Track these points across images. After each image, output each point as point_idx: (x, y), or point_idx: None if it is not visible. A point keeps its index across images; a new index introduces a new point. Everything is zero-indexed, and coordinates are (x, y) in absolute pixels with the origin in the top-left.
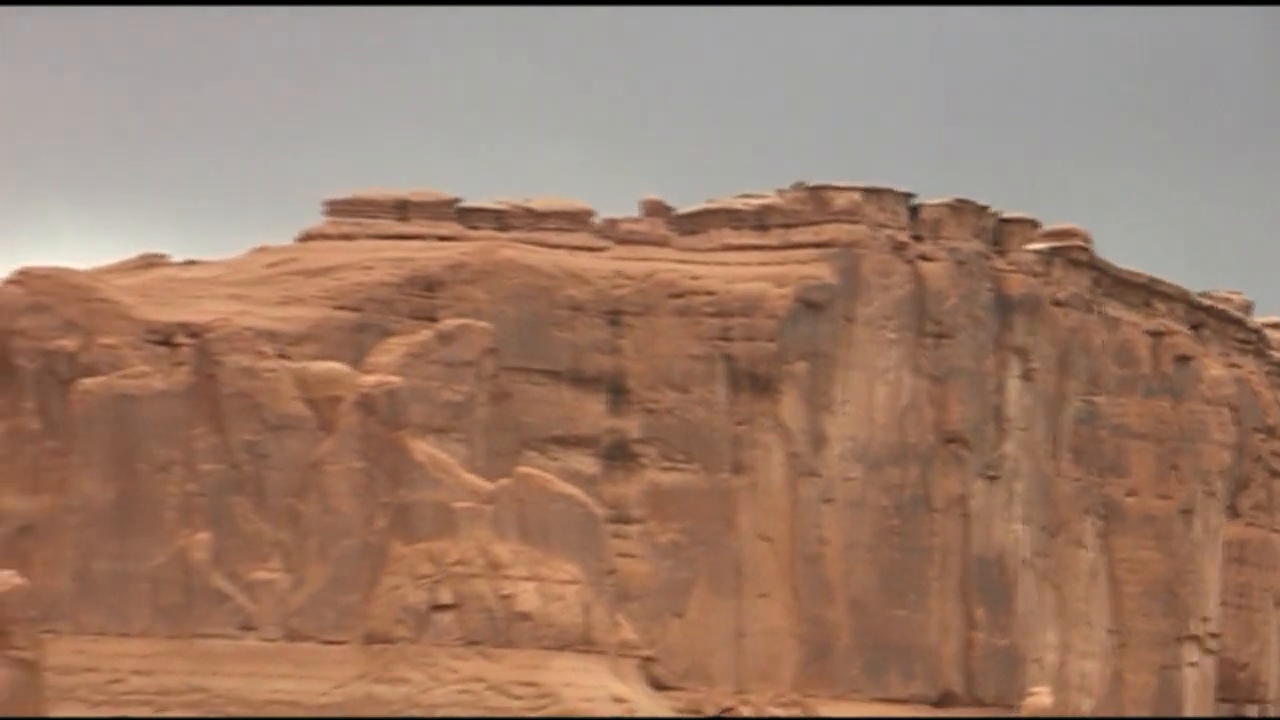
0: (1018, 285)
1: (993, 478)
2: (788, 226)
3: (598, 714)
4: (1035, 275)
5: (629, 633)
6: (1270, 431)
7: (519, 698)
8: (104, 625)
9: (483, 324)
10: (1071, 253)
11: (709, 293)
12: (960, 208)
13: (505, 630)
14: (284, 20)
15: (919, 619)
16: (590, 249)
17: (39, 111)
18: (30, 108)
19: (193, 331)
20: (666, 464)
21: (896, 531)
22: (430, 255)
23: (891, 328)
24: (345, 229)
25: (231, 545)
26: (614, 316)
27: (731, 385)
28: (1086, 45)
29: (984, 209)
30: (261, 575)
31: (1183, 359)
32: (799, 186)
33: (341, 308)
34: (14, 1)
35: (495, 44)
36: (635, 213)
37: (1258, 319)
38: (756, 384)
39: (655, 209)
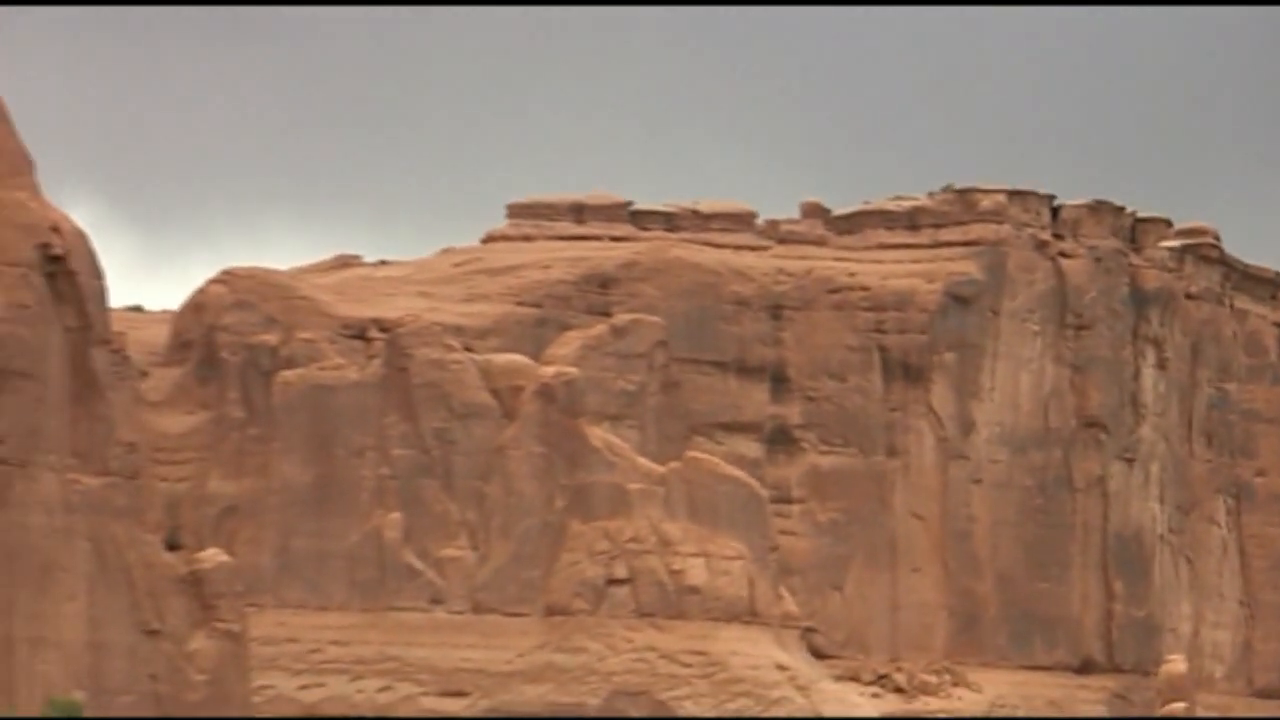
0: (1152, 280)
1: (1130, 460)
2: (937, 226)
3: (762, 680)
4: (1169, 271)
5: (791, 605)
6: None
7: (689, 665)
8: (304, 599)
9: (654, 318)
10: (1202, 249)
11: (864, 288)
12: (1098, 208)
13: (676, 603)
14: (467, 27)
15: (1061, 591)
16: (753, 248)
17: (246, 123)
18: (238, 121)
19: (385, 326)
20: (825, 448)
21: (1040, 510)
22: (605, 254)
23: (1034, 320)
24: (526, 230)
25: (421, 525)
26: (776, 311)
27: (885, 374)
28: (1216, 47)
29: (1121, 209)
30: (449, 552)
31: None
32: (948, 189)
33: (522, 304)
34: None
35: (666, 52)
36: (795, 214)
37: None
38: (909, 373)
39: (814, 210)
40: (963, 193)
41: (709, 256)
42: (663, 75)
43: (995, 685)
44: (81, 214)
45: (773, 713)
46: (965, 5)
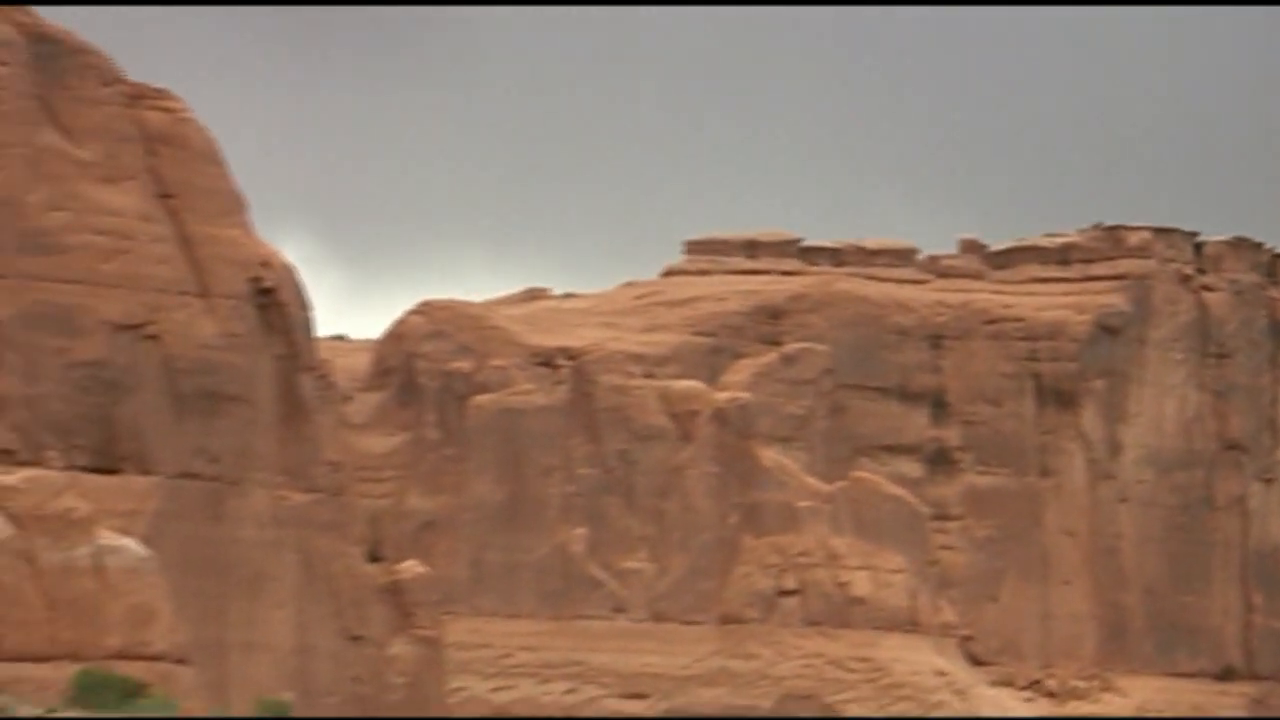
0: None
1: (1268, 480)
2: (1087, 261)
3: (922, 685)
4: None
5: (949, 615)
6: None
7: (854, 671)
8: (495, 608)
9: (821, 347)
10: None
11: (1018, 319)
12: (1238, 244)
13: (842, 612)
14: (645, 80)
15: (1204, 604)
16: (914, 282)
17: (443, 166)
18: (437, 164)
19: (571, 355)
20: (981, 468)
21: (1183, 527)
22: (775, 288)
23: (1178, 349)
24: (702, 265)
25: (604, 539)
26: (935, 340)
27: (1038, 400)
28: None
29: (1260, 245)
30: (631, 565)
31: None
32: (1097, 226)
33: (699, 334)
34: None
35: (831, 99)
36: (954, 249)
37: None
38: (1060, 399)
39: (971, 246)
40: (1111, 230)
41: (873, 289)
42: (830, 119)
43: (1141, 691)
44: (292, 250)
45: (932, 715)
46: (1108, 53)
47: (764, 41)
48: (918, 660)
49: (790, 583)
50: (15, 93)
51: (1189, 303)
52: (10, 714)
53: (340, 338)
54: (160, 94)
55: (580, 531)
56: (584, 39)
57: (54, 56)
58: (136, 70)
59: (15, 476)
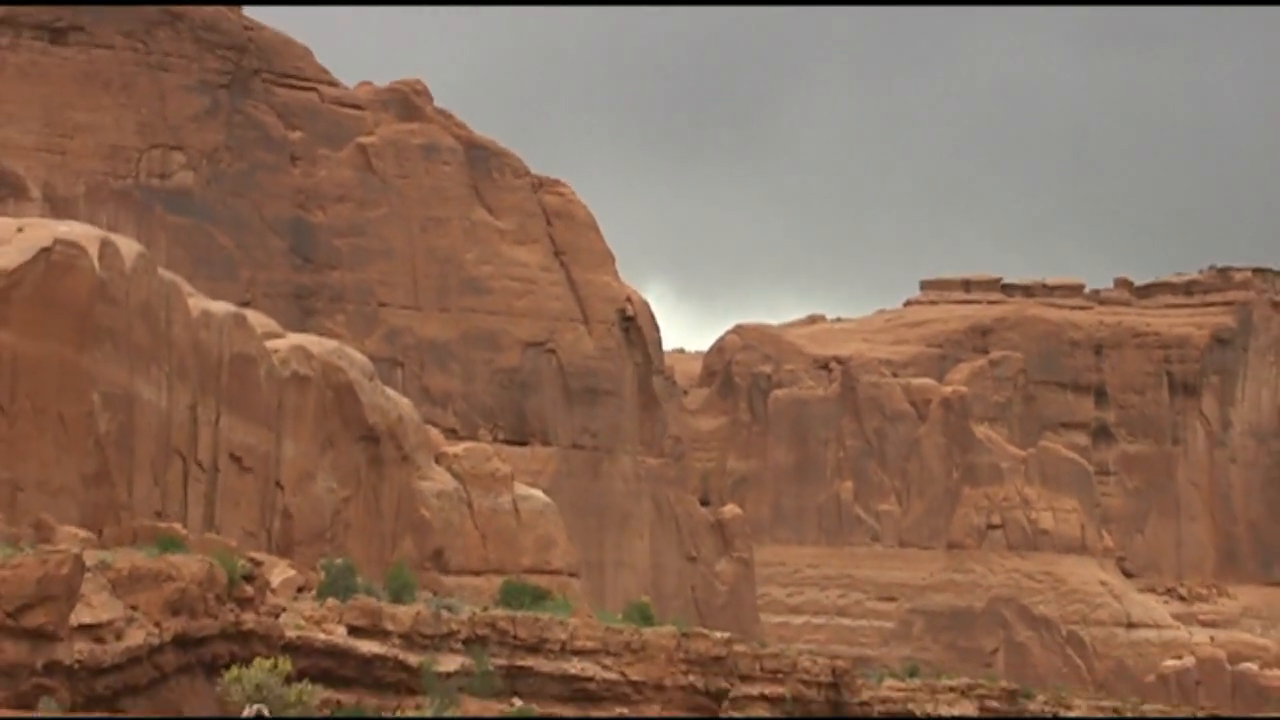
0: None
1: None
2: (1205, 292)
3: (1090, 591)
4: None
5: (1109, 542)
6: None
7: (1041, 582)
8: (789, 538)
9: (1017, 354)
10: None
11: (1157, 334)
12: None
13: (1032, 540)
14: (894, 153)
15: None
16: (1083, 308)
17: (754, 225)
18: (750, 223)
19: (841, 361)
20: (1131, 439)
21: (1276, 481)
22: (984, 313)
23: (1271, 354)
24: (932, 297)
25: (865, 489)
26: (1097, 349)
27: (1171, 391)
28: None
29: None
30: (884, 507)
31: None
32: (1212, 267)
33: (930, 345)
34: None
35: (1030, 161)
36: (1110, 284)
37: None
38: (1186, 390)
39: (1123, 283)
40: (1222, 270)
41: (1053, 313)
42: (1024, 179)
43: (1247, 597)
44: (650, 289)
45: (1096, 615)
46: (1225, 129)
47: (976, 122)
48: (1086, 574)
49: (996, 520)
50: (456, 182)
51: (1278, 321)
52: (454, 610)
53: (680, 350)
54: (556, 182)
55: (848, 484)
56: (849, 129)
57: (483, 158)
58: (540, 164)
59: (458, 447)
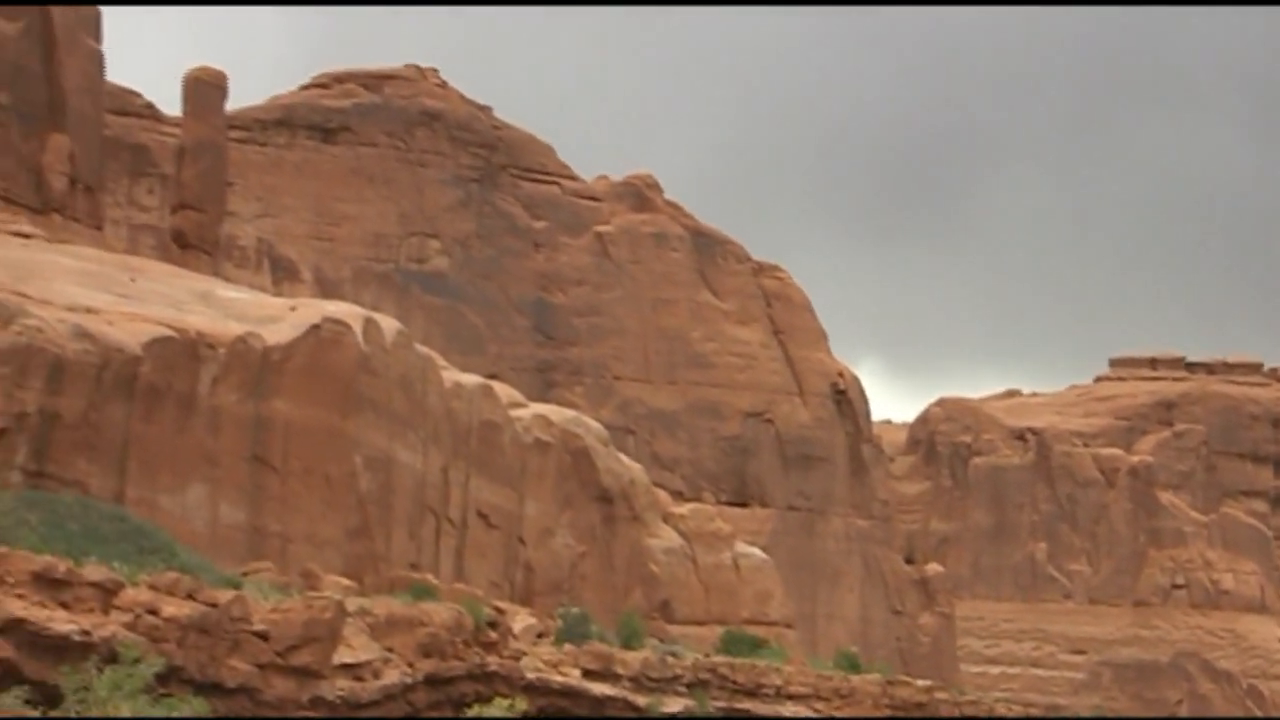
0: None
1: None
2: None
3: (1268, 648)
4: None
5: None
6: None
7: (1222, 638)
8: (987, 594)
9: (1199, 427)
10: None
11: None
12: None
13: (1214, 600)
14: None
15: None
16: (1261, 385)
17: (958, 305)
18: (953, 303)
19: (1035, 431)
20: None
21: None
22: (1169, 388)
23: None
24: (1120, 373)
25: (1058, 550)
26: (1275, 422)
27: None
28: None
29: None
30: (1075, 567)
31: None
32: None
33: (1119, 418)
34: None
35: (1204, 243)
36: None
37: None
38: None
39: None
40: None
41: (1233, 389)
42: (1204, 263)
43: None
44: (862, 366)
45: (1275, 670)
46: None
47: (1157, 209)
48: (1266, 632)
49: (1180, 580)
50: (683, 267)
51: None
52: (678, 656)
53: (888, 421)
54: (774, 267)
55: (1042, 545)
56: (1041, 216)
57: (708, 245)
58: (760, 249)
59: (684, 508)
